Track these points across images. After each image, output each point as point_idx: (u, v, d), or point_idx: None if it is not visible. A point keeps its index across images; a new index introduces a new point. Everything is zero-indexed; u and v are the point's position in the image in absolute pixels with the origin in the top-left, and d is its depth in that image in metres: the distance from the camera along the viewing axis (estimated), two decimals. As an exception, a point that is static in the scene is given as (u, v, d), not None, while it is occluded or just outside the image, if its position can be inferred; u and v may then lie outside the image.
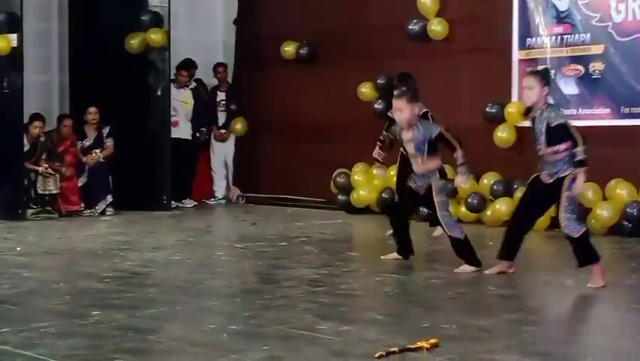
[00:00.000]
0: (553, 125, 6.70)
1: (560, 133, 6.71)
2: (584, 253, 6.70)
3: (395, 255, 7.78)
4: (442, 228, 7.46)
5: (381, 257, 7.82)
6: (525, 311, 5.91)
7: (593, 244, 6.78)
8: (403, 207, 7.81)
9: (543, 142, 6.75)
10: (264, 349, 4.65)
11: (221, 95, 13.75)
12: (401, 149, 8.25)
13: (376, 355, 4.47)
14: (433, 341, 4.70)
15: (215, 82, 13.85)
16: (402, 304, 6.20)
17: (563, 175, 6.72)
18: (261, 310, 5.75)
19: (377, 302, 6.26)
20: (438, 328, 5.18)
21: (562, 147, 6.71)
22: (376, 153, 8.03)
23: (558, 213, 6.77)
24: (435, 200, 7.34)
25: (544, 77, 6.89)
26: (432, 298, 6.41)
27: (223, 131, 13.64)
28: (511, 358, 4.53)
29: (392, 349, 4.56)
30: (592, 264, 6.69)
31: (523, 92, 6.90)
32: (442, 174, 7.46)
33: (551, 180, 6.77)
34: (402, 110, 7.32)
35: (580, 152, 6.70)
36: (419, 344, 4.66)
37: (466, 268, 7.26)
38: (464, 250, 7.34)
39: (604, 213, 9.88)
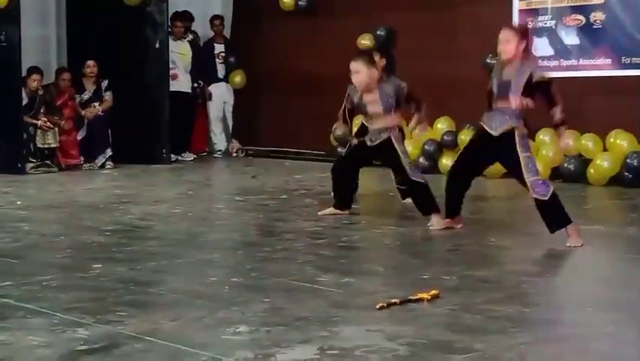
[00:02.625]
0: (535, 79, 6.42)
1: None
2: (556, 216, 6.36)
3: (332, 209, 7.71)
4: (407, 174, 7.33)
5: (319, 213, 7.73)
6: (525, 262, 5.93)
7: (562, 204, 6.41)
8: (351, 160, 7.71)
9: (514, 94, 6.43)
10: (265, 301, 4.67)
11: (219, 47, 13.68)
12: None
13: (377, 306, 4.49)
14: (434, 292, 4.72)
15: (211, 34, 13.78)
16: (402, 256, 6.22)
17: (508, 128, 6.43)
18: (261, 263, 5.76)
19: (378, 254, 6.28)
20: (438, 279, 5.19)
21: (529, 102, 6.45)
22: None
23: (519, 175, 6.41)
24: (396, 148, 7.31)
25: (522, 32, 6.62)
26: (432, 250, 6.43)
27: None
28: (511, 308, 4.55)
29: (393, 300, 4.57)
30: (565, 227, 6.34)
31: (500, 45, 6.52)
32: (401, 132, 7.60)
33: (498, 134, 6.47)
34: (358, 73, 7.33)
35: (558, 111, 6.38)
36: (420, 295, 4.67)
37: (435, 220, 7.06)
38: (425, 194, 7.27)
39: (604, 164, 9.88)
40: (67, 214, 8.13)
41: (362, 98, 7.44)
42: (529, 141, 6.69)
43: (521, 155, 6.41)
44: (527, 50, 6.61)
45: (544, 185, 6.40)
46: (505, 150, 6.51)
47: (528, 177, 6.36)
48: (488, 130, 6.55)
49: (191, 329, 4.17)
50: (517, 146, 6.42)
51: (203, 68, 13.45)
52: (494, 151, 6.60)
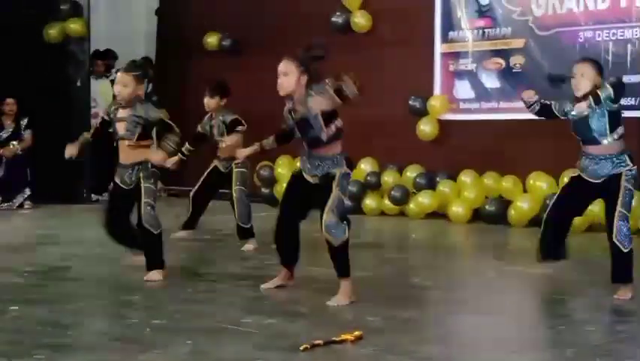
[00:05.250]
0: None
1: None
2: (343, 264, 5.93)
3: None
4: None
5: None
6: (449, 303, 5.95)
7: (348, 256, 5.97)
8: None
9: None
10: (187, 343, 4.60)
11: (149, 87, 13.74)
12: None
13: (301, 348, 4.45)
14: (357, 333, 4.70)
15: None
16: (327, 298, 6.18)
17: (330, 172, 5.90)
18: (184, 304, 5.68)
19: (302, 295, 6.24)
20: (363, 320, 5.18)
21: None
22: None
23: (322, 212, 5.78)
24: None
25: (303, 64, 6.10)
26: (356, 291, 6.40)
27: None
28: (435, 349, 4.55)
29: (317, 341, 4.54)
30: (345, 278, 5.92)
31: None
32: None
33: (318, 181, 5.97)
34: (126, 85, 6.83)
35: None
36: (343, 336, 4.65)
37: (152, 275, 6.63)
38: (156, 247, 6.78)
39: (524, 205, 10.01)
40: (-17, 255, 7.93)
41: (117, 113, 7.18)
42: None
43: (334, 191, 5.83)
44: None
45: (340, 228, 5.80)
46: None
47: (326, 214, 5.75)
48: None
49: (111, 372, 4.08)
50: (335, 184, 5.87)
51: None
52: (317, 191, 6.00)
